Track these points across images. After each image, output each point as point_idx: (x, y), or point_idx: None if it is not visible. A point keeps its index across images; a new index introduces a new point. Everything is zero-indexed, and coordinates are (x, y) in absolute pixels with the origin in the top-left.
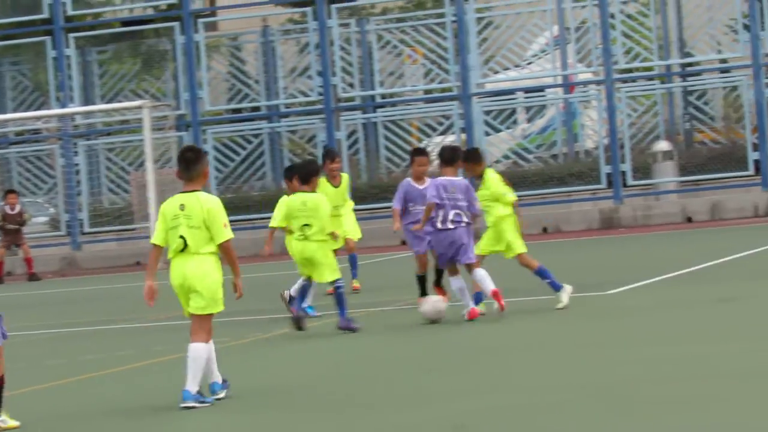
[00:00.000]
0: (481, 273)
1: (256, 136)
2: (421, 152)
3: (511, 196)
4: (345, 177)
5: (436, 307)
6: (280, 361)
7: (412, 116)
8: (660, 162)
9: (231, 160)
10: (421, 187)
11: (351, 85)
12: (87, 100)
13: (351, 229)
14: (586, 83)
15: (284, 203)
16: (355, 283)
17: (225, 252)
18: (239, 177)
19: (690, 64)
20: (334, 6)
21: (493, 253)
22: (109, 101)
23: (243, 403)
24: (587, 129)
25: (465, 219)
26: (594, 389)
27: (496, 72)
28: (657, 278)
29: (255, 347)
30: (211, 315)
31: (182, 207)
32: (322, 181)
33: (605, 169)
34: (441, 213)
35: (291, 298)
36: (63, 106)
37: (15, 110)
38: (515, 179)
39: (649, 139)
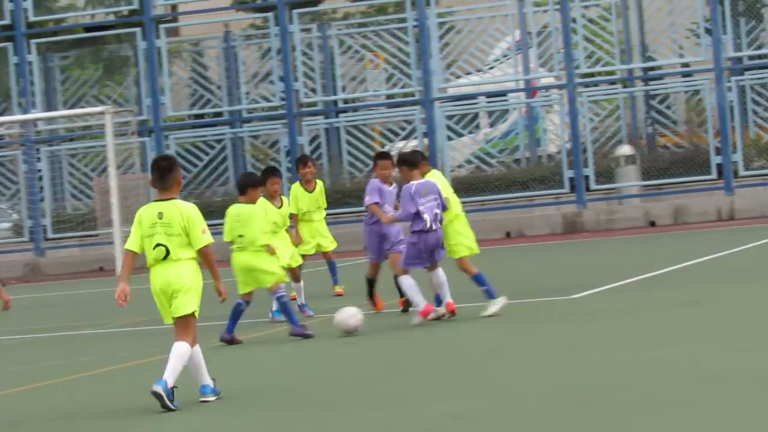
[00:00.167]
0: (409, 281)
1: (218, 141)
2: (384, 156)
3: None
4: (320, 183)
5: (348, 322)
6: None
7: (374, 121)
8: (623, 166)
9: (194, 166)
10: (389, 187)
11: (313, 90)
12: (49, 106)
13: (325, 238)
14: (548, 88)
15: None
16: (338, 289)
17: (204, 257)
18: (202, 182)
19: (652, 68)
20: (295, 11)
21: None
22: (72, 107)
23: (221, 404)
24: (550, 133)
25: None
26: (564, 393)
27: (458, 77)
28: (621, 282)
29: (238, 349)
30: (194, 316)
31: (160, 215)
32: (297, 186)
33: (568, 173)
34: (424, 216)
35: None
36: (25, 111)
37: None
38: (478, 184)
39: (612, 144)
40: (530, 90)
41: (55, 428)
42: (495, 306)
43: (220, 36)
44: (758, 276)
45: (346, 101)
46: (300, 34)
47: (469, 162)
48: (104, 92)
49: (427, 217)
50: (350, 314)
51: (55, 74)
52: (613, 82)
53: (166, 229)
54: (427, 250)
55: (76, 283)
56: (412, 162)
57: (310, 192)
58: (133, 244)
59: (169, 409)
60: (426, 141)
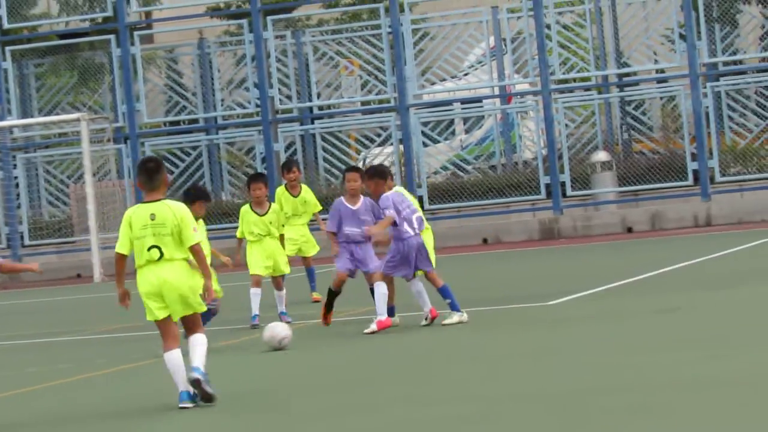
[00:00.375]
0: (383, 289)
1: (194, 148)
2: (351, 169)
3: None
4: (305, 188)
5: (275, 335)
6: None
7: (349, 128)
8: (599, 172)
9: (170, 173)
10: (353, 207)
11: (288, 97)
12: (25, 113)
13: (307, 243)
14: (523, 94)
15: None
16: (316, 295)
17: (196, 254)
18: (178, 189)
19: (627, 75)
20: (269, 18)
21: None
22: (47, 114)
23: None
24: (525, 140)
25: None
26: (544, 399)
27: (433, 83)
28: (599, 288)
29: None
30: (199, 313)
31: (153, 216)
32: (281, 190)
33: (544, 179)
34: (405, 223)
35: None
36: (0, 118)
37: None
38: (454, 190)
39: (588, 150)
40: (505, 96)
41: None
42: (457, 317)
43: (194, 43)
44: (735, 282)
45: (321, 108)
46: (274, 40)
47: (445, 168)
48: (79, 99)
49: (414, 219)
50: (279, 330)
51: (30, 81)
52: (588, 89)
53: (159, 229)
54: (411, 256)
55: (53, 290)
56: (383, 174)
57: (295, 197)
58: (122, 247)
59: (206, 395)
60: (401, 147)
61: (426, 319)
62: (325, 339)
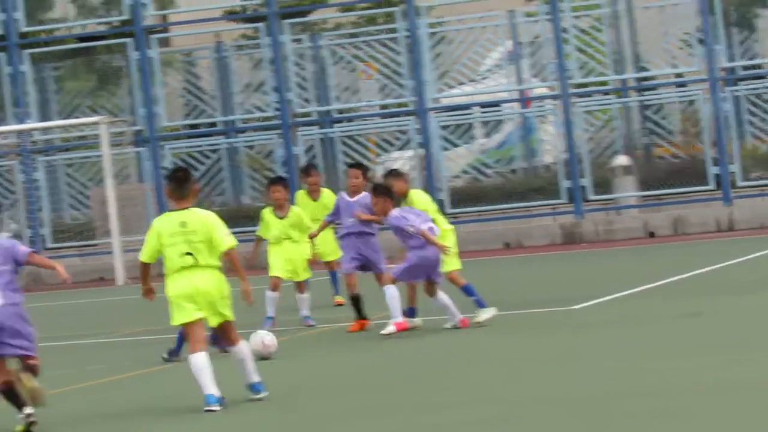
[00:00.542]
0: (394, 291)
1: (214, 151)
2: (353, 165)
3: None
4: (327, 192)
5: (261, 343)
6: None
7: (369, 131)
8: (620, 177)
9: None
10: (351, 199)
11: (307, 101)
12: (44, 116)
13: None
14: (541, 98)
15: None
16: (339, 299)
17: (230, 259)
18: (199, 192)
19: (645, 79)
20: (286, 21)
21: None
22: (66, 117)
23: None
24: (545, 143)
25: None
26: (566, 403)
27: (451, 87)
28: (622, 293)
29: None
30: (232, 322)
31: (183, 224)
32: (302, 194)
33: (565, 183)
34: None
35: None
36: (20, 122)
37: None
38: (476, 194)
39: (608, 154)
40: (524, 100)
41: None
42: (486, 314)
43: (211, 46)
44: (758, 287)
45: (340, 111)
46: (291, 44)
47: (465, 172)
48: (98, 102)
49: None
50: (262, 339)
51: (49, 84)
52: (606, 93)
53: (190, 237)
54: (427, 266)
55: (76, 293)
56: (390, 193)
57: (315, 201)
58: (148, 256)
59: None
60: (421, 151)
61: (451, 324)
62: (347, 342)
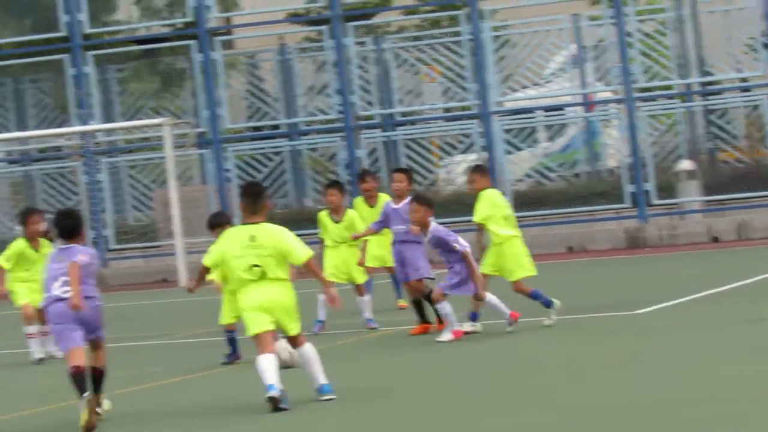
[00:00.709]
0: (448, 308)
1: (277, 153)
2: (397, 170)
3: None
4: (383, 198)
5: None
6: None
7: (432, 134)
8: (684, 181)
9: (253, 178)
10: (396, 206)
11: (370, 104)
12: (108, 118)
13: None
14: (605, 102)
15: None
16: (402, 302)
17: (309, 268)
18: (271, 208)
19: (710, 83)
20: (350, 24)
21: (495, 274)
22: (130, 119)
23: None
24: (609, 147)
25: None
26: (629, 408)
27: (515, 90)
28: (685, 298)
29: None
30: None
31: (253, 238)
32: (359, 201)
33: (629, 188)
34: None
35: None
36: (84, 123)
37: (36, 127)
38: (539, 198)
39: (672, 158)
40: (588, 104)
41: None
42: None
43: (275, 49)
44: None
45: (403, 114)
46: (355, 47)
47: (528, 176)
48: (162, 104)
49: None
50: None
51: (113, 86)
52: (670, 97)
53: (260, 251)
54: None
55: (140, 294)
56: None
57: (372, 207)
58: (211, 261)
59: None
60: (485, 155)
61: (510, 324)
62: (409, 346)
